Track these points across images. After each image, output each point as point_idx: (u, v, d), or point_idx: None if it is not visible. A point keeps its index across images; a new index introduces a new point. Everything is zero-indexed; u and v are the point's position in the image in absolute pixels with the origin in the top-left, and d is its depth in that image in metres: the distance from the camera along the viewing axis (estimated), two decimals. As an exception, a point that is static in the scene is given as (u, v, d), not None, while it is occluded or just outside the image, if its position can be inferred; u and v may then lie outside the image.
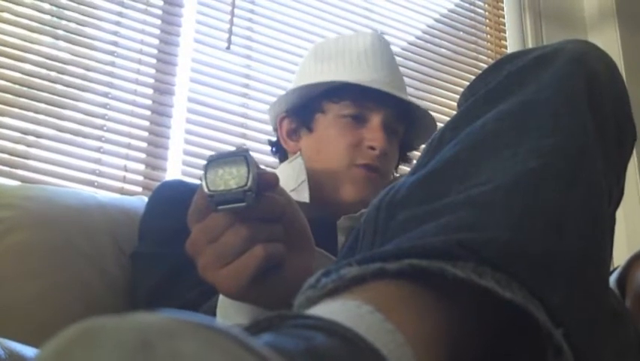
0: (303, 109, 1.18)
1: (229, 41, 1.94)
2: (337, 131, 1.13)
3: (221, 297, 0.68)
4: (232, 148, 1.83)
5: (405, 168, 1.36)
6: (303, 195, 1.04)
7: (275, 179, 0.61)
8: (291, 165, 1.11)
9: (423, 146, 1.04)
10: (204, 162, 0.57)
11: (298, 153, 1.12)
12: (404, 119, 1.18)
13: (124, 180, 1.71)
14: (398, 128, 1.17)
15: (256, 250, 0.59)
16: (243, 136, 1.87)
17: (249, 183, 0.55)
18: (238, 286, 0.60)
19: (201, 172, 0.57)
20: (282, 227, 0.62)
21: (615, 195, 0.63)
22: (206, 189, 0.56)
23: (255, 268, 0.59)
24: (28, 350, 0.68)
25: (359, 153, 1.12)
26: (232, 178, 0.56)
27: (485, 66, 2.35)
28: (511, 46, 2.50)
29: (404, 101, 1.15)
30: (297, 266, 0.62)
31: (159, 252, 1.05)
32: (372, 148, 1.11)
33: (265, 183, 0.59)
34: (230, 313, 0.67)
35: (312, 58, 1.22)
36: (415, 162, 0.62)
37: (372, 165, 1.11)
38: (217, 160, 0.57)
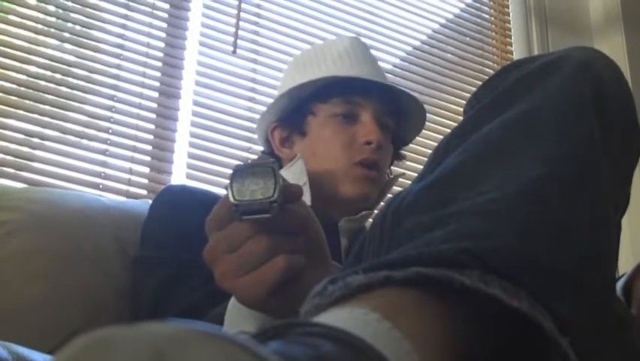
0: (294, 114, 1.18)
1: (235, 45, 1.94)
2: (331, 131, 1.14)
3: (230, 305, 0.69)
4: (238, 152, 1.83)
5: (397, 169, 1.35)
6: (306, 198, 1.04)
7: (299, 191, 0.62)
8: (290, 170, 1.10)
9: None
10: (230, 172, 0.57)
11: (298, 155, 1.12)
12: (394, 113, 1.19)
13: (129, 183, 1.71)
14: (389, 123, 1.18)
15: (278, 260, 0.59)
16: (249, 140, 1.87)
17: (276, 195, 0.55)
18: (257, 296, 0.60)
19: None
20: (302, 239, 0.62)
21: (621, 203, 0.63)
22: (232, 199, 0.56)
23: (276, 279, 0.59)
24: (35, 354, 0.68)
25: (355, 150, 1.12)
26: (259, 189, 0.56)
27: (491, 71, 2.35)
28: (517, 51, 2.50)
29: (391, 94, 1.16)
30: (313, 279, 0.62)
31: (161, 256, 1.05)
32: (368, 143, 1.12)
33: (290, 196, 0.60)
34: (238, 321, 0.67)
35: (293, 68, 1.23)
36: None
37: (370, 160, 1.12)
38: (244, 170, 0.57)
